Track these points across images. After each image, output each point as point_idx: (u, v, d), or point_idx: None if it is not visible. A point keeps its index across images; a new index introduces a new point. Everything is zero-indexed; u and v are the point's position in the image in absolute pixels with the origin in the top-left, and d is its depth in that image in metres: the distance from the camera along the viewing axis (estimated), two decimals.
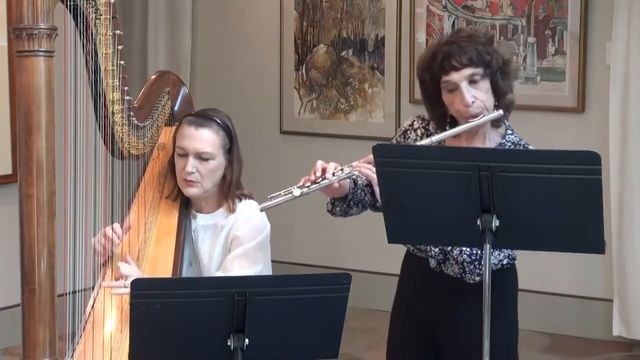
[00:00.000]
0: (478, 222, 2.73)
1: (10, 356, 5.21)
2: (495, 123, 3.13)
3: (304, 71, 6.26)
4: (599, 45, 5.48)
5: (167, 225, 3.42)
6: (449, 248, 3.11)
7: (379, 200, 3.07)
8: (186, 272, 3.43)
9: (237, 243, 3.36)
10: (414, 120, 3.27)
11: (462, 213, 2.76)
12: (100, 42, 3.11)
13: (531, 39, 5.61)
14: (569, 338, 5.53)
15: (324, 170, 3.16)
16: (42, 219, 2.79)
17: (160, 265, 3.32)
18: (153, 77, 3.65)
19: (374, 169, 3.02)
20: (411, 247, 3.28)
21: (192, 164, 3.34)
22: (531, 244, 2.90)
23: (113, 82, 3.20)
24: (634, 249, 5.33)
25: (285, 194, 3.14)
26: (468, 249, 3.08)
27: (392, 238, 2.88)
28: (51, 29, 2.77)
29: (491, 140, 3.16)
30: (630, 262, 5.34)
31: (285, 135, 6.36)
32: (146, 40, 6.34)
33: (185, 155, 3.36)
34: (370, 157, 3.02)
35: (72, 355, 3.10)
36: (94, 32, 3.08)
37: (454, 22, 5.80)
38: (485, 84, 3.08)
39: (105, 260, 3.34)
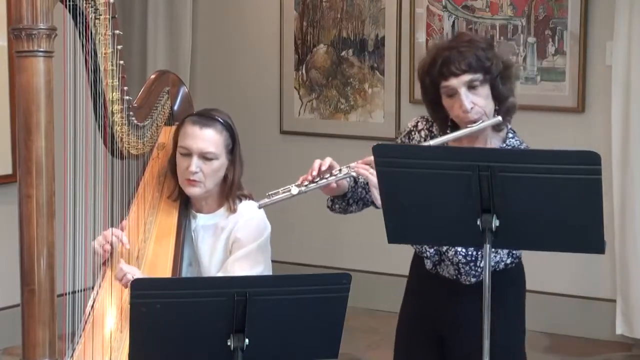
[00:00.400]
0: (478, 222, 2.73)
1: (10, 356, 5.21)
2: (497, 127, 3.13)
3: (304, 71, 6.26)
4: (599, 45, 5.48)
5: (166, 225, 3.42)
6: (444, 249, 3.11)
7: (375, 202, 3.07)
8: (186, 272, 3.43)
9: (238, 245, 3.36)
10: (418, 121, 3.27)
11: (462, 213, 2.76)
12: (99, 42, 3.11)
13: (531, 39, 5.61)
14: (570, 338, 5.53)
15: (320, 169, 3.16)
16: (42, 219, 2.79)
17: (159, 265, 3.32)
18: (152, 76, 3.64)
19: (371, 170, 3.02)
20: (416, 247, 3.28)
21: (195, 163, 3.34)
22: (531, 244, 2.90)
23: (112, 82, 3.20)
24: (636, 249, 5.33)
25: (284, 192, 3.15)
26: (463, 250, 3.08)
27: (392, 238, 2.87)
28: (50, 29, 2.76)
29: (492, 144, 3.16)
30: (633, 261, 5.34)
31: (285, 135, 6.36)
32: (146, 40, 6.34)
33: (188, 154, 3.36)
34: (369, 158, 3.02)
35: (72, 355, 3.10)
36: (93, 32, 3.07)
37: (454, 22, 5.80)
38: (485, 90, 3.07)
39: (105, 261, 3.33)
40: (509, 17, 5.65)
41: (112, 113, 3.25)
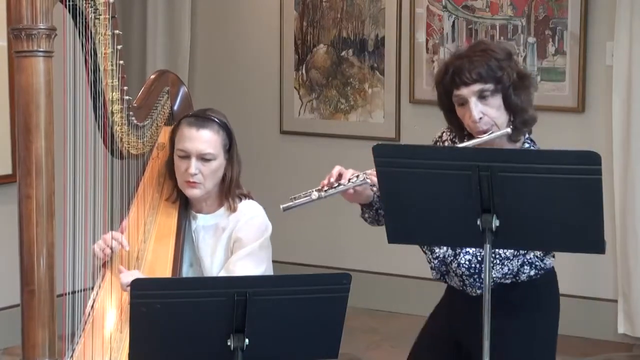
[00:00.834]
0: (478, 222, 2.73)
1: (10, 356, 5.21)
2: (514, 137, 3.09)
3: (304, 71, 6.26)
4: (599, 45, 5.47)
5: (166, 226, 3.42)
6: (448, 261, 3.10)
7: None
8: (186, 273, 3.42)
9: (239, 245, 3.35)
10: (443, 132, 3.27)
11: (462, 213, 2.76)
12: (99, 41, 3.10)
13: (531, 39, 5.61)
14: (571, 338, 5.52)
15: (340, 176, 3.15)
16: (42, 219, 2.79)
17: (159, 266, 3.31)
18: (152, 76, 3.64)
19: None
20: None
21: (195, 165, 3.33)
22: (531, 244, 2.90)
23: (112, 82, 3.20)
24: (637, 248, 5.33)
25: (305, 196, 3.14)
26: (466, 262, 3.08)
27: (392, 238, 2.87)
28: (50, 29, 2.77)
29: None
30: (635, 261, 5.34)
31: (285, 135, 6.36)
32: (145, 40, 6.34)
33: (186, 157, 3.35)
34: None
35: (72, 355, 3.09)
36: (93, 32, 3.07)
37: (454, 22, 5.79)
38: (497, 100, 3.05)
39: (105, 262, 3.33)
40: (509, 17, 5.65)
41: (112, 113, 3.25)
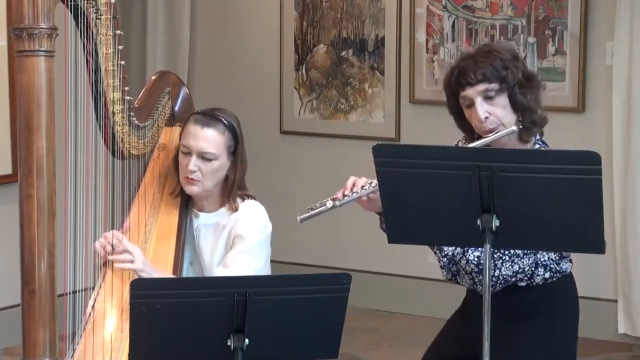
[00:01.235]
0: (478, 222, 2.73)
1: (10, 356, 5.21)
2: (524, 137, 3.10)
3: (304, 71, 6.26)
4: (599, 45, 5.48)
5: (167, 226, 3.42)
6: (458, 258, 3.10)
7: None
8: (187, 271, 3.43)
9: (238, 241, 3.36)
10: (459, 141, 3.27)
11: (462, 213, 2.76)
12: (100, 42, 3.10)
13: (531, 39, 5.61)
14: None
15: (354, 185, 3.15)
16: (42, 218, 2.79)
17: (160, 265, 3.31)
18: (153, 77, 3.64)
19: None
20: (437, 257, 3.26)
21: (194, 162, 3.34)
22: (531, 244, 2.90)
23: (113, 82, 3.20)
24: (637, 248, 5.34)
25: (321, 206, 3.14)
26: (475, 259, 3.08)
27: (392, 238, 2.88)
28: (52, 29, 2.77)
29: None
30: (635, 260, 5.35)
31: (285, 135, 6.36)
32: (145, 40, 6.34)
33: (188, 153, 3.36)
34: None
35: (72, 355, 3.09)
36: (94, 32, 3.07)
37: (454, 22, 5.80)
38: (503, 100, 3.06)
39: (106, 261, 3.33)
40: (509, 17, 5.65)
41: (113, 113, 3.25)
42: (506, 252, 3.05)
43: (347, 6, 6.11)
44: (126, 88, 3.27)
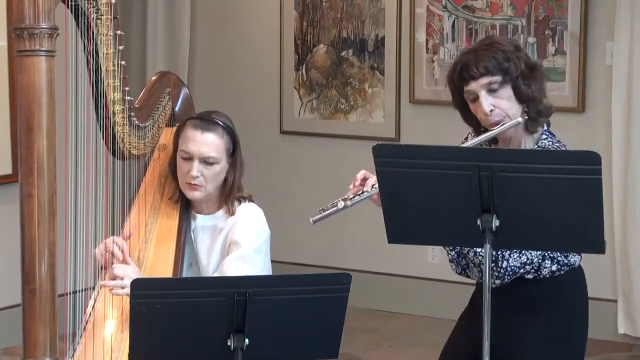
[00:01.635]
0: (478, 222, 2.73)
1: (11, 356, 5.21)
2: (530, 128, 3.10)
3: (304, 71, 6.26)
4: (599, 45, 5.48)
5: (167, 227, 3.42)
6: (465, 251, 3.10)
7: None
8: (186, 273, 3.43)
9: (235, 247, 3.35)
10: (467, 136, 3.27)
11: (462, 213, 2.76)
12: (101, 42, 3.11)
13: (531, 39, 5.61)
14: None
15: (365, 180, 3.15)
16: (43, 218, 2.79)
17: (160, 266, 3.31)
18: (154, 77, 3.64)
19: None
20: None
21: (197, 168, 3.33)
22: (531, 244, 2.90)
23: (114, 83, 3.20)
24: (638, 248, 5.34)
25: (332, 206, 3.14)
26: (482, 252, 3.07)
27: (392, 238, 2.88)
28: (52, 29, 2.77)
29: (525, 146, 3.13)
30: (636, 260, 5.35)
31: (285, 135, 6.36)
32: (145, 40, 6.34)
33: (189, 159, 3.35)
34: None
35: (73, 355, 3.10)
36: (95, 32, 3.07)
37: (454, 22, 5.80)
38: (507, 92, 3.06)
39: (106, 264, 3.33)
40: (509, 17, 5.66)
41: (114, 113, 3.25)
42: None
43: (347, 6, 6.11)
44: (126, 88, 3.27)
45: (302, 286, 2.69)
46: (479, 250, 3.07)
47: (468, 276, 3.18)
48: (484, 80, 3.05)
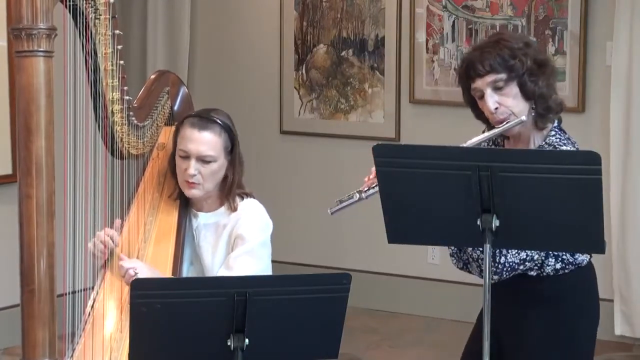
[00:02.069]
0: (478, 222, 2.73)
1: (10, 356, 5.21)
2: (539, 125, 3.09)
3: (304, 71, 6.26)
4: (599, 45, 5.48)
5: (167, 225, 3.42)
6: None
7: None
8: (187, 272, 3.43)
9: (240, 242, 3.36)
10: (484, 129, 3.25)
11: (462, 213, 2.76)
12: (99, 42, 3.10)
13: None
14: None
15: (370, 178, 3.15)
16: (42, 218, 2.79)
17: (160, 265, 3.31)
18: (152, 76, 3.64)
19: None
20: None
21: (194, 166, 3.33)
22: (531, 244, 2.89)
23: (112, 82, 3.20)
24: (636, 249, 5.33)
25: (349, 198, 3.14)
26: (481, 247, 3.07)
27: (392, 238, 2.87)
28: (50, 29, 2.76)
29: (534, 143, 3.12)
30: (633, 261, 5.34)
31: (285, 135, 6.36)
32: (145, 40, 6.34)
33: (187, 157, 3.36)
34: None
35: (72, 355, 3.10)
36: (93, 32, 3.07)
37: (454, 22, 5.80)
38: (513, 89, 3.05)
39: (105, 262, 3.33)
40: (509, 17, 5.65)
41: (112, 113, 3.25)
42: None
43: (347, 6, 6.11)
44: (125, 88, 3.27)
45: (302, 286, 2.69)
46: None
47: (469, 271, 3.16)
48: (489, 78, 3.04)
